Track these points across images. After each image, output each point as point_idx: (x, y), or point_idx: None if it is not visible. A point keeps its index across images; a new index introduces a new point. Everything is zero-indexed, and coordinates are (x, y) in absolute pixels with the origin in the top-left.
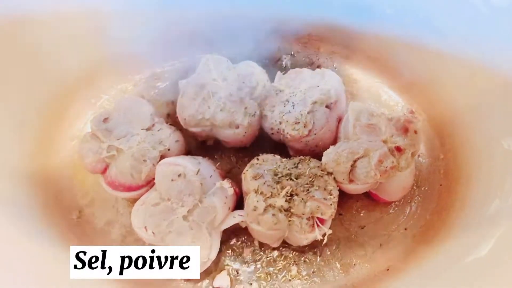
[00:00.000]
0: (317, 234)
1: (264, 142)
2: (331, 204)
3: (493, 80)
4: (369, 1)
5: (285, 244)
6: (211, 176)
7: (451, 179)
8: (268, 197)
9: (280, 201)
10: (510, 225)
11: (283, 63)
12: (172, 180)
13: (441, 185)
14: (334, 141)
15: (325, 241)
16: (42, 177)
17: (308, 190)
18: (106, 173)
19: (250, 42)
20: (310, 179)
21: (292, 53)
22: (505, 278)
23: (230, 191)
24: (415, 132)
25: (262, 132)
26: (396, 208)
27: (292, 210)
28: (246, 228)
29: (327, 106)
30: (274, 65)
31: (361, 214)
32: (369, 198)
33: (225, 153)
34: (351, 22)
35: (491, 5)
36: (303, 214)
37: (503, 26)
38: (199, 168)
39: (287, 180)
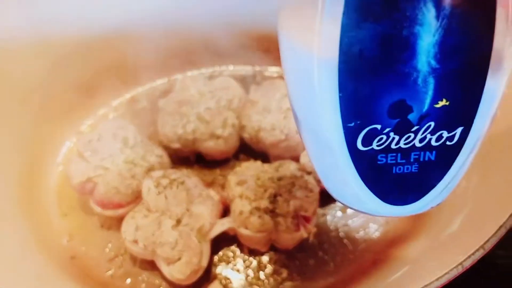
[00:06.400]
0: (302, 232)
1: (245, 153)
2: (312, 201)
3: None
4: None
5: (274, 248)
6: (196, 186)
7: None
8: (252, 201)
9: (264, 203)
10: (474, 204)
11: (257, 77)
12: (158, 192)
13: None
14: None
15: (311, 239)
16: (30, 203)
17: (290, 190)
18: (94, 192)
19: (224, 60)
20: (291, 180)
21: (264, 67)
22: (471, 244)
23: (216, 197)
24: None
25: (242, 143)
26: None
27: (276, 211)
28: (235, 236)
29: None
30: (248, 79)
31: (345, 213)
32: None
33: (208, 166)
34: None
35: None
36: (287, 213)
37: None
38: (184, 179)
39: (270, 183)
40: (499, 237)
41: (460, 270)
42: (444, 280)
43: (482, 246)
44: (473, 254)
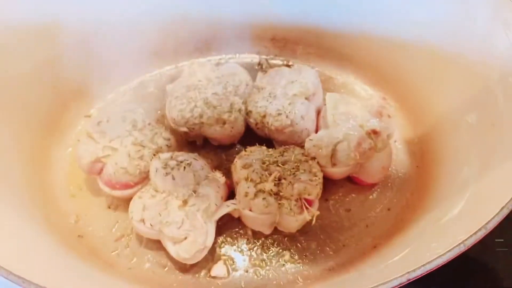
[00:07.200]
0: (306, 215)
1: (250, 139)
2: (316, 184)
3: (451, 63)
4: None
5: (277, 231)
6: (203, 168)
7: (427, 159)
8: (258, 183)
9: (269, 185)
10: (476, 188)
11: (263, 67)
12: (166, 173)
13: (417, 166)
14: (316, 131)
15: (313, 222)
16: (39, 184)
17: (294, 174)
18: (102, 173)
19: (231, 48)
20: (296, 164)
21: (270, 57)
22: (473, 224)
23: (222, 180)
24: (389, 116)
25: (248, 130)
26: (379, 190)
27: (281, 193)
28: (239, 219)
29: (306, 98)
30: (255, 67)
31: (347, 199)
32: (353, 183)
33: (214, 151)
34: (323, 22)
35: None
36: (291, 195)
37: (452, 9)
38: (191, 161)
39: (275, 166)
40: (501, 217)
41: (462, 248)
42: (446, 258)
43: (484, 226)
44: (475, 233)
